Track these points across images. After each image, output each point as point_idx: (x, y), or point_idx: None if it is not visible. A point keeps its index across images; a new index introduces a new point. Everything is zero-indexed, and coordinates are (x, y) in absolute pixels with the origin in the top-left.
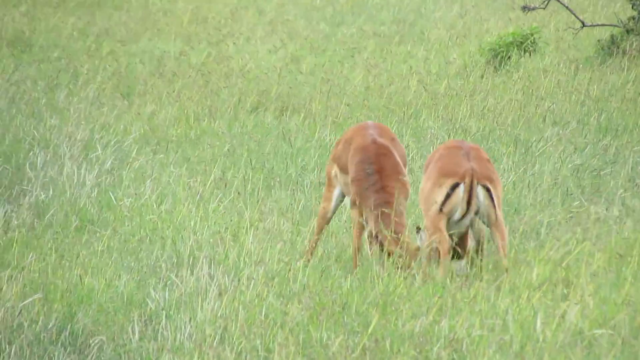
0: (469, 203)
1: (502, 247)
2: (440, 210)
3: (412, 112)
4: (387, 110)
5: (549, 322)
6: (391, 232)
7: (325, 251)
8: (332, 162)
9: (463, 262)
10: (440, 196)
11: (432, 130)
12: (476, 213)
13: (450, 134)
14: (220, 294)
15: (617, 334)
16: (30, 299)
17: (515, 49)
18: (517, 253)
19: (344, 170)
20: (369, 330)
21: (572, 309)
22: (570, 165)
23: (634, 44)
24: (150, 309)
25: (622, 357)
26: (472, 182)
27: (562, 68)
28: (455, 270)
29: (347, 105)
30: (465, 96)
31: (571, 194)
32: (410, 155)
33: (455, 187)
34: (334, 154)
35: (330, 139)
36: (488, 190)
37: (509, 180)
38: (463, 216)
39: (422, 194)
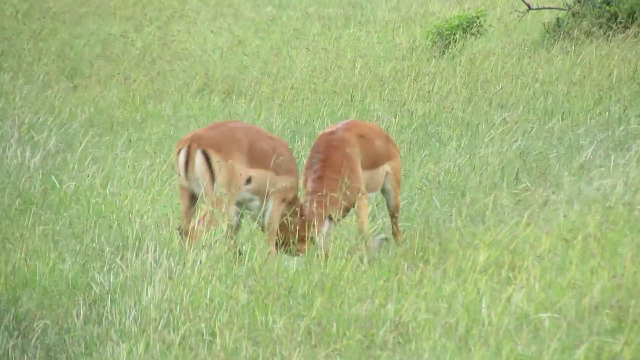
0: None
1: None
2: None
3: (358, 95)
4: (333, 93)
5: (495, 305)
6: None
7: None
8: None
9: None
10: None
11: (379, 113)
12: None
13: (396, 117)
14: (169, 278)
15: (562, 317)
16: None
17: (461, 32)
18: (463, 236)
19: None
20: (313, 314)
21: (517, 292)
22: (516, 148)
23: (580, 27)
24: (95, 292)
25: (568, 340)
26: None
27: (509, 51)
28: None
29: (293, 88)
30: (411, 79)
31: (517, 177)
32: None
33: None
34: None
35: (276, 122)
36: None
37: (456, 163)
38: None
39: None
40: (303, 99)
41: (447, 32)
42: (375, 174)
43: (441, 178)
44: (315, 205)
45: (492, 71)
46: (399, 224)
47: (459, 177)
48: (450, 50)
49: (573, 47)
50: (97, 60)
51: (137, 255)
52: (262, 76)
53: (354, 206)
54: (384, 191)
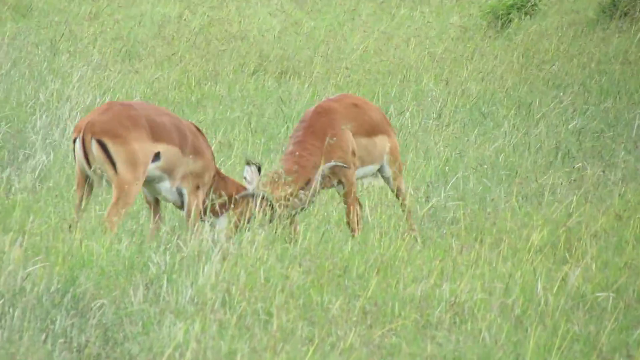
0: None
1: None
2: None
3: (412, 75)
4: (387, 73)
5: (551, 285)
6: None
7: (325, 214)
8: None
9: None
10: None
11: (433, 93)
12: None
13: (451, 97)
14: (224, 258)
15: (619, 297)
16: (34, 267)
17: (516, 11)
18: (518, 216)
19: None
20: (369, 294)
21: (573, 272)
22: (571, 128)
23: (636, 6)
24: (152, 272)
25: (625, 320)
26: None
27: (564, 31)
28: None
29: (347, 68)
30: (466, 59)
31: (573, 157)
32: (410, 118)
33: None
34: None
35: None
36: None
37: (510, 143)
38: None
39: None
40: (357, 80)
41: (501, 11)
42: (371, 144)
43: (496, 158)
44: (284, 164)
45: (547, 51)
46: (411, 220)
47: (514, 156)
48: (505, 30)
49: (629, 25)
50: (152, 41)
51: (193, 235)
52: (317, 57)
53: (339, 179)
54: (382, 173)
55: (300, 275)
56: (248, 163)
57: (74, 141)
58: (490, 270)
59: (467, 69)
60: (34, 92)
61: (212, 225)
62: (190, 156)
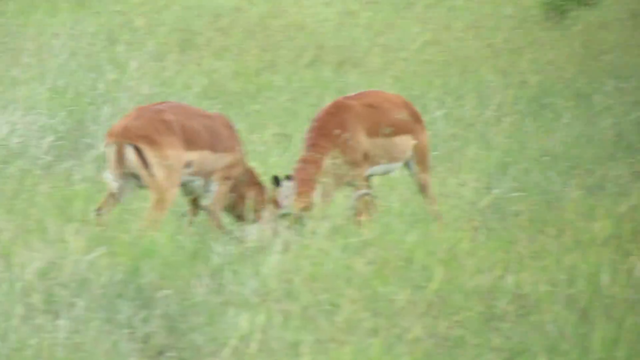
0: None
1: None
2: None
3: (471, 66)
4: (445, 63)
5: (616, 277)
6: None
7: (388, 204)
8: None
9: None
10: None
11: (492, 84)
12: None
13: (510, 88)
14: (287, 249)
15: None
16: (95, 254)
17: (575, 1)
18: (581, 207)
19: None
20: (433, 285)
21: (639, 263)
22: (632, 119)
23: None
24: (215, 263)
25: None
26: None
27: (623, 21)
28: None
29: (405, 59)
30: (524, 50)
31: (634, 148)
32: (470, 110)
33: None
34: None
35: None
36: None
37: (571, 134)
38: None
39: None
40: (415, 71)
41: (560, 1)
42: (389, 144)
43: (557, 149)
44: (298, 172)
45: (606, 41)
46: (435, 206)
47: (575, 148)
48: (563, 21)
49: None
50: (209, 32)
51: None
52: (374, 47)
53: (351, 178)
54: (408, 167)
55: (364, 266)
56: (288, 178)
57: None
58: (554, 261)
59: (525, 59)
60: (93, 82)
61: (242, 232)
62: (221, 152)
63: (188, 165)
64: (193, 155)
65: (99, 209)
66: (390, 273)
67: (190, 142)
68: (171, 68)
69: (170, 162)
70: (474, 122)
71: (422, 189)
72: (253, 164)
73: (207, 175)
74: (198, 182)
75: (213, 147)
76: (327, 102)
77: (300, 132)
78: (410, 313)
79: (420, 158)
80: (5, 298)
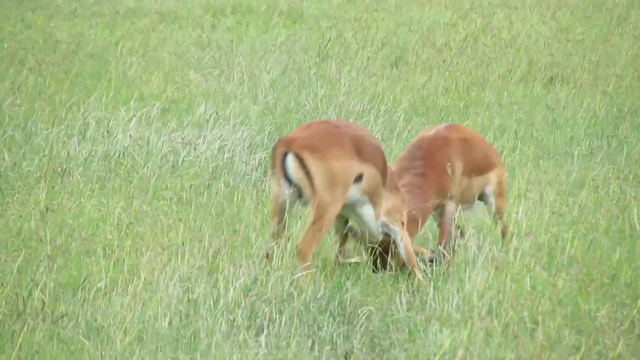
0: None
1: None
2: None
3: None
4: None
5: None
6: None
7: (594, 221)
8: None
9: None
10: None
11: None
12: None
13: None
14: (494, 266)
15: None
16: (301, 273)
17: None
18: None
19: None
20: (638, 303)
21: None
22: None
23: None
24: (418, 280)
25: None
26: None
27: None
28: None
29: (617, 75)
30: None
31: None
32: None
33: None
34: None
35: (598, 110)
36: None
37: None
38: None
39: None
40: (627, 86)
41: None
42: (475, 182)
43: None
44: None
45: None
46: (507, 232)
47: None
48: None
49: None
50: (421, 48)
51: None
52: (586, 63)
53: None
54: (484, 199)
55: (567, 283)
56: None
57: (273, 157)
58: None
59: None
60: (304, 97)
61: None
62: (390, 190)
63: (358, 179)
64: (365, 168)
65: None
66: (594, 290)
67: (362, 155)
68: (380, 84)
69: (335, 174)
70: None
71: (499, 215)
72: None
73: (377, 204)
74: (369, 210)
75: (383, 175)
76: (538, 118)
77: (511, 148)
78: (613, 331)
79: (500, 190)
80: (209, 314)
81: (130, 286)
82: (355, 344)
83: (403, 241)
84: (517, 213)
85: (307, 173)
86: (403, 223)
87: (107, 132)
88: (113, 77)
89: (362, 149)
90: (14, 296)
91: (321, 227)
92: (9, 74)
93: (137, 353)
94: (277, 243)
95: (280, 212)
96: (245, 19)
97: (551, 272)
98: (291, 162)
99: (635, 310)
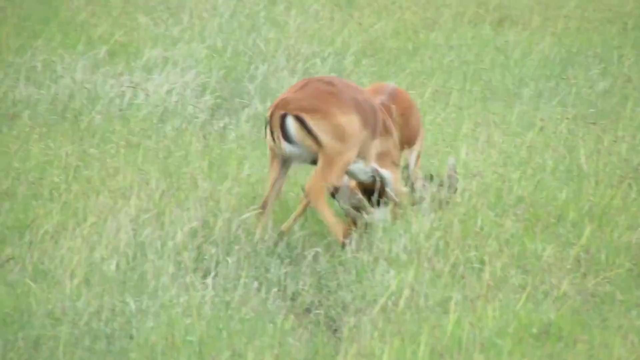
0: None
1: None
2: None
3: (631, 23)
4: (606, 21)
5: None
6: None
7: (541, 162)
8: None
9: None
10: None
11: None
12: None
13: None
14: (439, 207)
15: None
16: (248, 214)
17: None
18: None
19: None
20: (582, 242)
21: None
22: None
23: None
24: (365, 221)
25: None
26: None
27: None
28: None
29: (566, 16)
30: None
31: None
32: (629, 66)
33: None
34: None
35: (547, 51)
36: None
37: None
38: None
39: None
40: (576, 28)
41: None
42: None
43: None
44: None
45: None
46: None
47: None
48: None
49: None
50: None
51: (406, 183)
52: (535, 5)
53: None
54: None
55: (514, 223)
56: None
57: (270, 118)
58: None
59: None
60: (252, 41)
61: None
62: (382, 137)
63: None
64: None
65: (263, 205)
66: (540, 230)
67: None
68: (330, 27)
69: (342, 128)
70: (632, 78)
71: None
72: None
73: (367, 156)
74: (359, 165)
75: (373, 131)
76: (487, 59)
77: (459, 89)
78: (558, 270)
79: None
80: (156, 256)
81: (77, 229)
82: (302, 285)
83: (393, 183)
84: (466, 154)
85: (310, 133)
86: (395, 163)
87: (55, 75)
88: (61, 21)
89: (362, 108)
90: None
91: (332, 169)
92: None
93: (84, 295)
94: (271, 197)
95: (276, 168)
96: None
97: (498, 212)
98: (291, 125)
99: (580, 249)
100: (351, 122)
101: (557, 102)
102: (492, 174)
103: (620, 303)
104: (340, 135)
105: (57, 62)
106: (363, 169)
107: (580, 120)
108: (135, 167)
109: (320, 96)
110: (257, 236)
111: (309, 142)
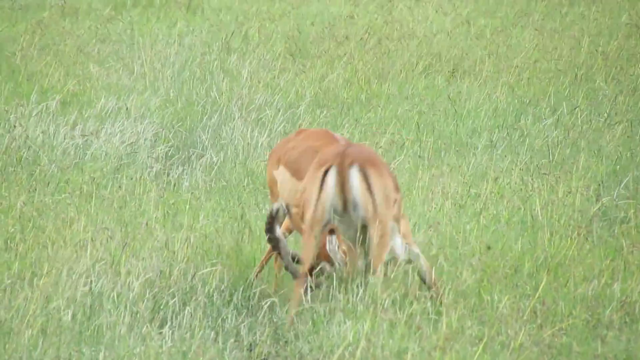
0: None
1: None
2: None
3: (584, 74)
4: (558, 71)
5: None
6: None
7: (496, 212)
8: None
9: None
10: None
11: (605, 92)
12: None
13: (621, 96)
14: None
15: None
16: (207, 270)
17: None
18: None
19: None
20: (539, 293)
21: None
22: None
23: None
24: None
25: None
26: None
27: None
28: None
29: (518, 67)
30: (638, 57)
31: None
32: (582, 117)
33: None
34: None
35: (500, 101)
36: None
37: None
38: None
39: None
40: (528, 78)
41: None
42: None
43: None
44: None
45: None
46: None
47: None
48: None
49: None
50: (322, 40)
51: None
52: (487, 55)
53: None
54: None
55: (470, 274)
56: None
57: (325, 173)
58: None
59: (639, 67)
60: (205, 91)
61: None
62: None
63: None
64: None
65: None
66: (496, 281)
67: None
68: (282, 77)
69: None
70: (586, 130)
71: None
72: None
73: None
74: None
75: None
76: (440, 109)
77: (414, 140)
78: (515, 321)
79: None
80: (112, 307)
81: (34, 279)
82: (259, 336)
83: (424, 261)
84: (421, 205)
85: (369, 188)
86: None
87: (8, 125)
88: (14, 70)
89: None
90: None
91: (385, 244)
92: None
93: (40, 346)
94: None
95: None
96: (146, 12)
97: (454, 263)
98: (356, 176)
99: (537, 300)
100: (391, 186)
101: (510, 153)
102: (447, 225)
103: (576, 354)
104: (387, 198)
105: (11, 112)
106: (401, 246)
107: (533, 171)
108: (91, 217)
109: (372, 153)
110: (213, 287)
111: (367, 198)
